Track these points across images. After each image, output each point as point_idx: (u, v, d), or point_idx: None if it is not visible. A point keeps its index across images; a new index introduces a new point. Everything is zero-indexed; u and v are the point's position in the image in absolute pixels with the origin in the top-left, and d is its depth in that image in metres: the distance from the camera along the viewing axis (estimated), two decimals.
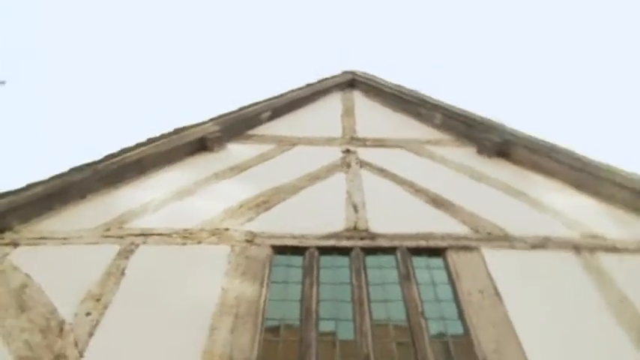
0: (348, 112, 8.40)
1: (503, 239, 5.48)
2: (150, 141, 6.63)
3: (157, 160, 6.65)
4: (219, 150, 7.16)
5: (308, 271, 5.11)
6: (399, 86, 8.63)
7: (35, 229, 5.47)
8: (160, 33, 28.49)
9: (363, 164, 6.88)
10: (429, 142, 7.50)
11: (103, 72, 28.23)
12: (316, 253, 5.32)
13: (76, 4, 24.23)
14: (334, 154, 7.12)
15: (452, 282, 5.04)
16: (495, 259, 5.22)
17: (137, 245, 5.29)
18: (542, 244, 5.42)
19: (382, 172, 6.68)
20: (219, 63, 30.66)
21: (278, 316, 4.67)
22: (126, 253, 5.18)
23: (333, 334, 4.52)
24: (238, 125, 7.60)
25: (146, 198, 6.04)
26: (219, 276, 4.95)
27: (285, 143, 7.39)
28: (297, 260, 5.30)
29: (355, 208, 5.93)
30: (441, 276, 5.16)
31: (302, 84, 8.76)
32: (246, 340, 4.29)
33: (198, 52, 30.16)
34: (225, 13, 28.57)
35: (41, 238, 5.35)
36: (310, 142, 7.45)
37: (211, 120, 7.30)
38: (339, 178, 6.57)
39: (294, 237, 5.45)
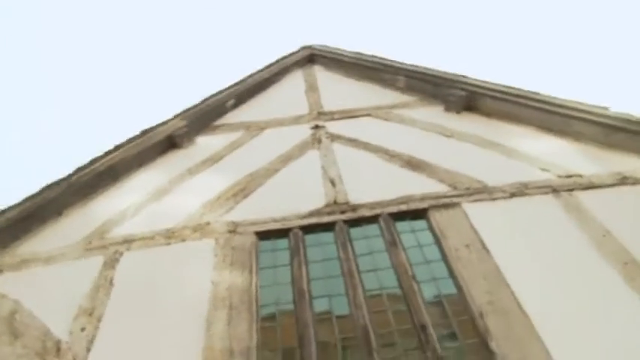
0: (312, 88, 8.37)
1: (483, 191, 5.51)
2: (118, 147, 6.57)
3: (129, 165, 6.60)
4: (189, 145, 7.12)
5: (295, 252, 5.12)
6: (358, 54, 8.61)
7: (16, 254, 5.41)
8: (105, 31, 28.13)
9: (333, 138, 6.87)
10: (395, 106, 7.50)
11: (56, 80, 27.78)
12: (300, 233, 5.32)
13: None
14: (303, 131, 7.10)
15: (438, 241, 5.07)
16: (477, 212, 5.26)
17: (121, 253, 5.27)
18: (520, 191, 5.46)
19: (354, 142, 6.69)
20: (174, 56, 30.35)
21: (272, 301, 4.69)
22: (111, 263, 5.16)
23: (328, 311, 4.54)
24: (204, 117, 7.55)
25: (123, 204, 6.00)
26: (208, 270, 4.94)
27: (254, 128, 7.37)
28: (283, 243, 5.30)
29: (332, 182, 5.93)
30: (426, 237, 5.19)
31: (261, 65, 8.71)
32: (244, 330, 4.30)
33: (150, 48, 29.81)
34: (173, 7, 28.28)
35: (23, 261, 5.30)
36: (278, 123, 7.43)
37: (176, 116, 7.24)
38: (312, 155, 6.56)
39: (275, 220, 5.45)
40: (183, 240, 5.35)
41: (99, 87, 29.02)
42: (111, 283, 4.91)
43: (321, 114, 7.53)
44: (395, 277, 4.75)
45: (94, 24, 28.06)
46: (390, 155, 6.30)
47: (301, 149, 6.69)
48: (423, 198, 5.53)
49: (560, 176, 5.61)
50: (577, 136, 6.18)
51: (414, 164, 6.08)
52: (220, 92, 7.93)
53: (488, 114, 6.95)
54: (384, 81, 8.13)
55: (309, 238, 5.33)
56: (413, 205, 5.47)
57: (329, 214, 5.50)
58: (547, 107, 6.43)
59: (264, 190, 6.04)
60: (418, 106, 7.45)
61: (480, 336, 4.08)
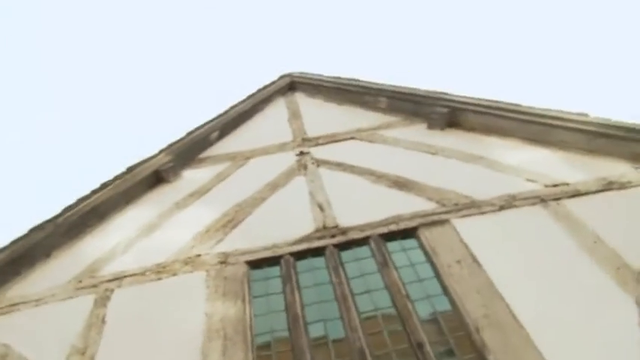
0: (295, 115, 8.39)
1: (471, 206, 5.52)
2: (104, 185, 6.56)
3: (116, 202, 6.58)
4: (175, 179, 7.11)
5: (287, 278, 5.09)
6: (337, 78, 8.66)
7: (5, 298, 5.36)
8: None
9: (319, 163, 6.88)
10: (379, 127, 7.52)
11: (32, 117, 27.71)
12: (291, 259, 5.30)
13: None
14: (289, 158, 7.11)
15: (429, 259, 5.06)
16: (467, 227, 5.25)
17: (112, 290, 5.23)
18: (509, 203, 5.47)
19: (340, 166, 6.69)
20: (154, 91, 30.41)
21: (266, 329, 4.66)
22: (103, 301, 5.12)
23: (324, 336, 4.51)
24: (189, 151, 7.55)
25: (112, 242, 5.97)
26: (201, 302, 4.91)
27: (239, 159, 7.37)
28: (274, 271, 5.28)
29: (321, 207, 5.92)
30: (417, 255, 5.18)
31: (243, 96, 8.75)
32: None
33: (128, 83, 29.87)
34: (150, 31, 28.40)
35: (13, 305, 5.24)
36: (263, 152, 7.44)
37: (161, 151, 7.24)
38: (299, 182, 6.56)
39: (266, 248, 5.43)
40: (175, 274, 5.32)
41: (81, 123, 28.94)
42: (103, 321, 4.87)
43: (305, 140, 7.54)
44: (389, 297, 4.73)
45: (75, 59, 28.11)
46: (377, 176, 6.31)
47: (288, 176, 6.69)
48: (412, 217, 5.52)
49: (547, 186, 5.62)
50: (560, 145, 6.21)
51: (401, 184, 6.09)
52: (204, 125, 7.94)
53: (472, 129, 6.98)
54: (366, 103, 8.17)
55: (301, 264, 5.31)
56: (402, 225, 5.46)
57: (319, 239, 5.48)
58: (528, 118, 6.47)
59: (253, 219, 6.02)
60: (401, 126, 7.47)
61: (477, 351, 4.06)
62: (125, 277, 5.37)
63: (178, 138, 7.57)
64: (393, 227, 5.45)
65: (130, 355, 4.49)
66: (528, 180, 5.76)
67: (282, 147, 7.47)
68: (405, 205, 5.71)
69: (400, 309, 4.54)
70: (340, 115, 8.14)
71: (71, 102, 28.11)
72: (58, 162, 26.11)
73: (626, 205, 5.24)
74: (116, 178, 6.71)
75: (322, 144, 7.37)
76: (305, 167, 6.83)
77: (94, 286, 5.32)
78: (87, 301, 5.14)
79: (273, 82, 9.26)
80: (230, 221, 5.99)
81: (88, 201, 6.33)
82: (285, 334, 4.56)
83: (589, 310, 4.16)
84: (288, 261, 5.28)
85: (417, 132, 7.22)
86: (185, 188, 6.87)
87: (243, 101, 8.65)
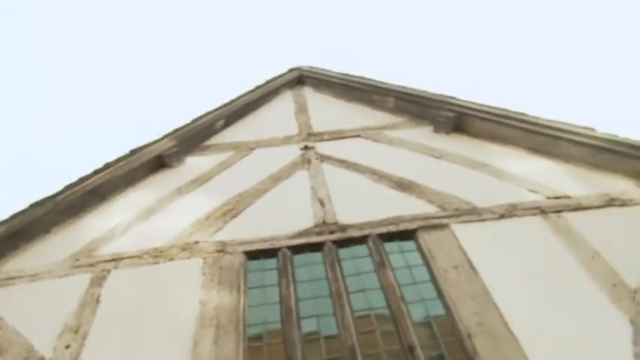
0: (302, 109, 8.39)
1: (472, 213, 5.52)
2: (107, 166, 6.57)
3: (117, 184, 6.59)
4: (178, 165, 7.12)
5: (283, 271, 5.09)
6: (346, 75, 8.65)
7: (2, 271, 5.37)
8: (96, 49, 28.17)
9: (323, 158, 6.88)
10: (385, 127, 7.53)
11: (46, 98, 27.73)
12: (289, 253, 5.31)
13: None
14: (293, 152, 7.11)
15: (426, 262, 5.05)
16: (466, 233, 5.25)
17: (109, 271, 5.24)
18: (509, 212, 5.47)
19: (343, 163, 6.69)
20: (165, 75, 30.38)
21: (259, 321, 4.66)
22: (99, 281, 5.12)
23: (316, 331, 4.52)
24: (194, 137, 7.56)
25: (112, 223, 5.98)
26: (196, 290, 4.91)
27: (243, 149, 7.37)
28: (271, 263, 5.28)
29: (321, 202, 5.93)
30: (415, 258, 5.18)
31: (251, 87, 8.76)
32: (230, 350, 4.26)
33: (140, 66, 29.80)
34: (166, 21, 28.36)
35: (9, 278, 5.26)
36: (268, 143, 7.44)
37: (166, 136, 7.25)
38: (302, 176, 6.57)
39: (264, 240, 5.44)
40: (172, 259, 5.32)
41: (88, 105, 28.94)
42: (97, 300, 4.88)
43: (310, 135, 7.55)
44: (383, 297, 4.73)
45: (82, 46, 28.06)
46: (379, 176, 6.31)
47: (290, 170, 6.69)
48: (412, 219, 5.52)
49: (548, 197, 5.62)
50: (565, 157, 6.21)
51: (403, 185, 6.09)
52: (210, 113, 7.94)
53: (477, 135, 6.98)
54: (373, 102, 8.16)
55: (298, 259, 5.31)
56: (402, 226, 5.46)
57: (318, 234, 5.49)
58: (534, 128, 6.47)
59: (253, 210, 6.03)
60: (407, 127, 7.47)
61: (468, 357, 4.05)
62: (122, 258, 5.38)
63: (184, 124, 7.57)
64: (393, 228, 5.45)
65: (122, 336, 4.49)
66: (530, 190, 5.76)
67: (286, 140, 7.47)
68: (405, 207, 5.72)
69: (394, 310, 4.54)
70: (347, 112, 8.15)
71: (86, 85, 28.12)
72: (64, 144, 26.16)
73: (626, 222, 5.24)
74: (119, 159, 6.72)
75: (327, 140, 7.37)
76: (308, 162, 6.84)
77: (91, 265, 5.33)
78: (83, 279, 5.15)
79: (282, 75, 9.25)
80: (230, 210, 5.99)
81: (90, 181, 6.34)
82: (278, 326, 4.56)
83: (582, 325, 4.16)
84: (285, 254, 5.28)
85: (423, 134, 7.22)
86: (187, 174, 6.88)
87: (251, 92, 8.65)
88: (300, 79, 9.30)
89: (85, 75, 28.47)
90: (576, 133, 6.17)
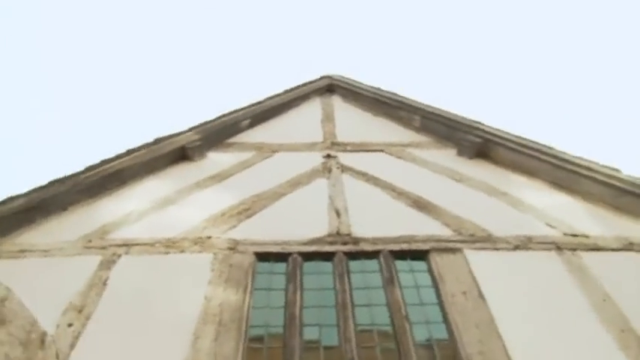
0: (328, 117, 8.40)
1: (486, 240, 5.49)
2: (130, 151, 6.62)
3: (138, 171, 6.63)
4: (200, 159, 7.15)
5: (291, 277, 5.09)
6: (377, 89, 8.64)
7: (15, 242, 5.43)
8: (138, 43, 28.40)
9: (344, 169, 6.88)
10: (409, 145, 7.52)
11: (81, 84, 28.01)
12: (299, 259, 5.31)
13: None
14: (315, 159, 7.12)
15: (435, 284, 5.03)
16: (478, 260, 5.22)
17: (119, 256, 5.27)
18: (524, 244, 5.43)
19: (364, 176, 6.69)
20: (198, 71, 30.59)
21: (262, 323, 4.66)
22: (108, 264, 5.16)
23: (317, 340, 4.51)
24: (218, 133, 7.59)
25: (128, 208, 6.02)
26: (203, 284, 4.93)
27: (266, 150, 7.39)
28: (281, 267, 5.29)
29: (337, 213, 5.92)
30: (424, 279, 5.16)
31: (281, 90, 8.76)
32: (230, 348, 4.26)
33: (176, 61, 30.00)
34: (203, 20, 28.54)
35: (22, 250, 5.31)
36: (291, 148, 7.45)
37: (191, 129, 7.29)
38: (321, 184, 6.57)
39: (276, 243, 5.44)
40: (182, 251, 5.34)
41: (119, 94, 29.21)
42: (105, 283, 4.91)
43: (334, 144, 7.55)
44: (388, 314, 4.71)
45: (122, 35, 28.34)
46: (398, 193, 6.29)
47: (310, 176, 6.70)
48: (425, 239, 5.50)
49: (565, 234, 5.58)
50: (587, 196, 6.17)
51: (420, 205, 6.07)
52: (237, 111, 7.98)
53: (500, 163, 6.95)
54: (400, 118, 8.16)
55: (308, 266, 5.31)
56: (415, 246, 5.44)
57: (330, 243, 5.48)
58: (559, 163, 6.43)
59: (269, 213, 6.04)
60: (431, 148, 7.46)
61: None
62: (134, 245, 5.41)
63: (210, 119, 7.61)
64: (405, 246, 5.43)
65: (125, 321, 4.51)
66: (548, 225, 5.72)
67: (310, 146, 7.48)
68: (420, 227, 5.70)
69: (397, 328, 4.52)
70: (373, 126, 8.16)
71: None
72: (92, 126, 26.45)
73: None
74: (142, 147, 6.76)
75: (350, 151, 7.37)
76: (329, 170, 6.84)
77: (103, 248, 5.36)
78: (93, 261, 5.18)
79: (313, 82, 9.26)
80: (246, 210, 6.00)
81: (112, 164, 6.39)
82: (280, 331, 4.55)
83: None
84: (295, 260, 5.28)
85: (446, 156, 7.20)
86: (208, 169, 6.91)
87: (280, 95, 8.67)
88: (330, 87, 9.31)
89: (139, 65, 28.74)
90: (601, 173, 6.12)
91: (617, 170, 6.10)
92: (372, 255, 5.39)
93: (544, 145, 6.69)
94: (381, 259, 5.30)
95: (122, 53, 29.29)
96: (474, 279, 4.98)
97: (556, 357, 4.20)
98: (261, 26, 30.23)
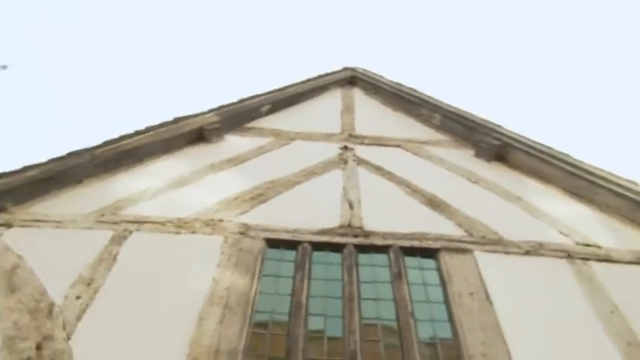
0: (348, 109, 8.39)
1: (497, 243, 5.47)
2: (149, 129, 6.64)
3: (155, 149, 6.66)
4: (217, 141, 7.17)
5: (300, 265, 5.10)
6: (399, 85, 8.62)
7: (29, 212, 5.47)
8: (165, 26, 28.42)
9: (360, 162, 6.87)
10: (427, 142, 7.50)
11: (107, 62, 28.11)
12: (309, 248, 5.31)
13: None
14: (332, 150, 7.11)
15: (443, 283, 5.02)
16: (488, 262, 5.21)
17: (130, 232, 5.30)
18: (535, 250, 5.41)
19: (379, 170, 6.68)
20: (222, 55, 30.60)
21: (267, 309, 4.67)
22: (119, 239, 5.18)
23: (321, 330, 4.52)
24: (237, 117, 7.60)
25: (142, 186, 6.04)
26: (211, 266, 4.94)
27: (283, 137, 7.40)
28: (290, 254, 5.29)
29: (350, 205, 5.92)
30: (432, 277, 5.15)
31: (303, 78, 8.76)
32: (234, 332, 4.27)
33: (202, 45, 30.03)
34: (230, 5, 28.52)
35: (35, 220, 5.35)
36: (308, 137, 7.46)
37: (211, 111, 7.31)
38: (336, 175, 6.57)
39: (287, 231, 5.45)
40: (193, 232, 5.36)
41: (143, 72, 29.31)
42: (114, 258, 4.93)
43: (352, 136, 7.54)
44: (394, 310, 4.71)
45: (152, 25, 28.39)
46: (413, 190, 6.28)
47: (326, 167, 6.70)
48: (436, 238, 5.49)
49: (578, 243, 5.55)
50: (602, 206, 6.13)
51: (434, 203, 6.06)
52: (258, 96, 7.98)
53: (518, 167, 6.93)
54: (420, 115, 8.14)
55: (317, 255, 5.31)
56: (425, 244, 5.44)
57: (341, 235, 5.48)
58: (577, 172, 6.40)
59: (282, 200, 6.04)
60: (449, 147, 7.44)
61: None
62: (146, 222, 5.43)
63: (230, 102, 7.61)
64: (416, 243, 5.43)
65: (132, 297, 4.54)
66: (560, 232, 5.70)
67: (327, 137, 7.47)
68: (432, 225, 5.69)
69: (402, 324, 4.52)
70: (392, 121, 8.14)
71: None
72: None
73: None
74: (161, 125, 6.78)
75: (367, 144, 7.36)
76: (345, 162, 6.83)
77: (115, 223, 5.39)
78: (104, 235, 5.21)
79: (335, 72, 9.25)
80: (259, 195, 6.01)
81: (130, 140, 6.41)
82: (285, 318, 4.56)
83: None
84: (305, 249, 5.29)
85: (463, 157, 7.18)
86: (224, 152, 6.92)
87: (302, 83, 8.67)
88: (352, 79, 9.29)
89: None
90: (618, 185, 6.08)
91: (635, 183, 6.05)
92: (382, 249, 5.39)
93: (562, 153, 6.66)
94: (391, 254, 5.30)
95: (155, 32, 29.36)
96: (482, 281, 4.96)
97: None
98: (289, 17, 30.16)
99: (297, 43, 30.47)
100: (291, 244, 5.37)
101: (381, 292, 4.93)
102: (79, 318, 4.28)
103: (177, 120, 6.94)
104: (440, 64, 29.11)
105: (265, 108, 8.00)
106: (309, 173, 6.52)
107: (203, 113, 7.21)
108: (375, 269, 5.20)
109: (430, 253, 5.39)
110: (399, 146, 7.38)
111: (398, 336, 4.44)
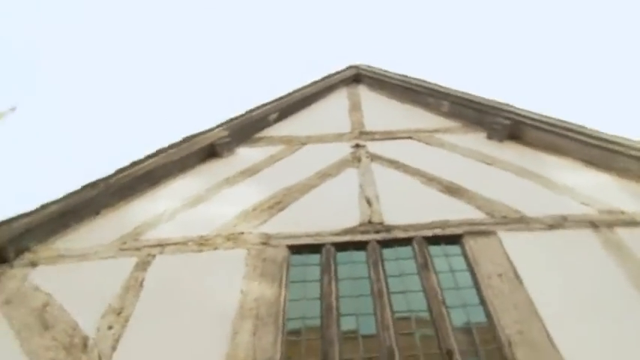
0: (355, 107, 8.37)
1: (520, 221, 5.44)
2: (159, 151, 6.66)
3: (168, 170, 6.68)
4: (229, 155, 7.18)
5: (325, 268, 5.09)
6: (404, 76, 8.58)
7: (52, 248, 5.50)
8: (160, 38, 28.58)
9: (373, 157, 6.85)
10: (438, 130, 7.46)
11: (107, 83, 28.30)
12: (332, 249, 5.30)
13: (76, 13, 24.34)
14: (344, 149, 7.10)
15: (470, 268, 5.00)
16: (513, 241, 5.18)
17: (154, 256, 5.31)
18: (559, 223, 5.37)
19: (393, 164, 6.66)
20: (222, 65, 30.71)
21: (299, 315, 4.67)
22: (143, 265, 5.20)
23: (355, 330, 4.50)
24: (246, 129, 7.61)
25: (160, 208, 6.06)
26: (238, 280, 4.95)
27: (294, 143, 7.39)
28: (314, 258, 5.28)
29: (368, 201, 5.90)
30: (459, 263, 5.13)
31: (307, 81, 8.74)
32: (269, 342, 4.28)
33: (200, 56, 30.17)
34: (226, 14, 28.64)
35: (59, 256, 5.38)
36: (319, 139, 7.44)
37: (219, 126, 7.31)
38: (351, 173, 6.55)
39: (309, 235, 5.44)
40: (216, 248, 5.37)
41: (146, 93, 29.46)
42: (141, 284, 4.95)
43: (362, 133, 7.52)
44: (424, 300, 4.69)
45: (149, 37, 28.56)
46: (429, 179, 6.26)
47: (340, 167, 6.69)
48: (458, 224, 5.47)
49: (601, 211, 5.50)
50: (621, 172, 6.07)
51: (452, 189, 6.03)
52: (264, 105, 7.98)
53: (532, 144, 6.87)
54: (428, 105, 8.10)
55: (341, 256, 5.30)
56: (448, 230, 5.42)
57: (363, 232, 5.47)
58: (592, 141, 6.33)
59: (300, 205, 6.04)
60: (460, 132, 7.40)
61: None
62: (168, 244, 5.44)
63: (237, 115, 7.62)
64: (438, 231, 5.40)
65: (163, 321, 4.55)
66: (582, 203, 5.64)
67: (338, 137, 7.46)
68: (453, 211, 5.66)
69: (434, 314, 4.50)
70: (400, 114, 8.10)
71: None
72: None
73: None
74: (171, 146, 6.80)
75: (379, 139, 7.34)
76: (359, 160, 6.82)
77: (137, 249, 5.41)
78: (128, 263, 5.23)
79: (339, 72, 9.22)
80: (277, 204, 6.01)
81: (142, 165, 6.43)
82: (317, 322, 4.56)
83: (628, 344, 4.06)
84: (329, 250, 5.28)
85: (476, 140, 7.14)
86: (237, 165, 6.92)
87: (307, 86, 8.65)
88: (356, 77, 9.25)
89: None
90: (636, 149, 6.01)
91: None
92: (406, 242, 5.37)
93: (575, 124, 6.59)
94: (415, 246, 5.28)
95: (148, 51, 29.51)
96: (509, 261, 4.93)
97: (597, 334, 4.14)
98: (287, 20, 30.23)
99: (297, 43, 30.63)
100: (314, 248, 5.36)
101: (410, 284, 4.91)
102: (113, 348, 4.30)
103: (186, 139, 6.95)
104: (437, 50, 29.12)
105: (273, 116, 8.00)
106: (324, 175, 6.51)
107: (212, 129, 7.22)
108: (400, 262, 5.18)
109: (454, 240, 5.36)
110: (410, 138, 7.35)
111: (432, 326, 4.43)
